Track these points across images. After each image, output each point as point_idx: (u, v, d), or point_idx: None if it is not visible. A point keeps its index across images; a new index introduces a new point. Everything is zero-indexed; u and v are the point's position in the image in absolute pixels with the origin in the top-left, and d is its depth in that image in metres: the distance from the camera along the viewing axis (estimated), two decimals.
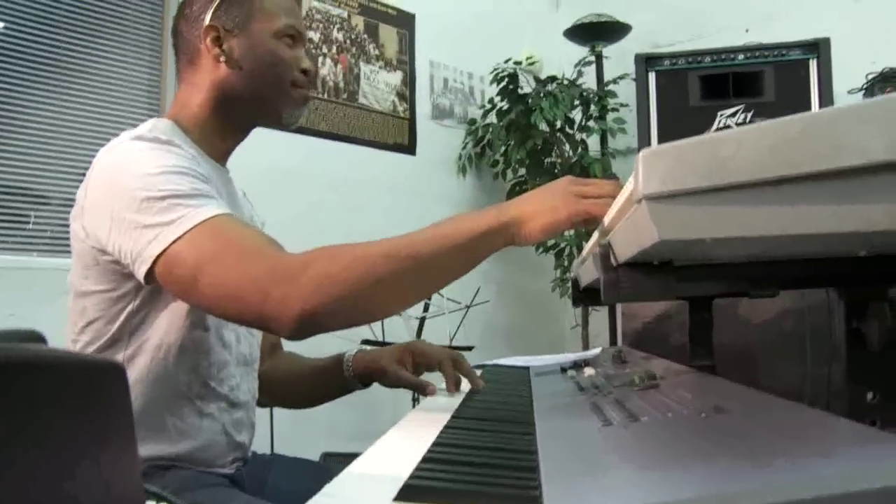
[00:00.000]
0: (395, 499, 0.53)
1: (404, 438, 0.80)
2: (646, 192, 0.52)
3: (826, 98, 2.69)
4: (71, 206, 1.17)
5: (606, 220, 0.80)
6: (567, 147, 3.70)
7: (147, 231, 0.99)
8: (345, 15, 3.41)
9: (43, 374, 0.43)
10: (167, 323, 1.11)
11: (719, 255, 0.71)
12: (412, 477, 0.56)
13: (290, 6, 1.30)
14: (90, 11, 2.70)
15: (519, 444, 0.69)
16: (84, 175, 1.15)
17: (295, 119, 1.29)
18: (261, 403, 1.38)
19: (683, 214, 0.52)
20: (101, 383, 0.48)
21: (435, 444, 0.72)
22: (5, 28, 2.51)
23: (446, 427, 0.82)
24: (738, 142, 0.52)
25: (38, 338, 0.49)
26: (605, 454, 0.63)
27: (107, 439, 0.47)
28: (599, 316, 3.49)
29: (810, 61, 2.77)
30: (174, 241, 0.98)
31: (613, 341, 3.35)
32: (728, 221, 0.52)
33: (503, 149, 3.73)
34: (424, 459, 0.64)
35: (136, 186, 1.02)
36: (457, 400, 1.14)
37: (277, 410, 2.68)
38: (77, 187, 1.16)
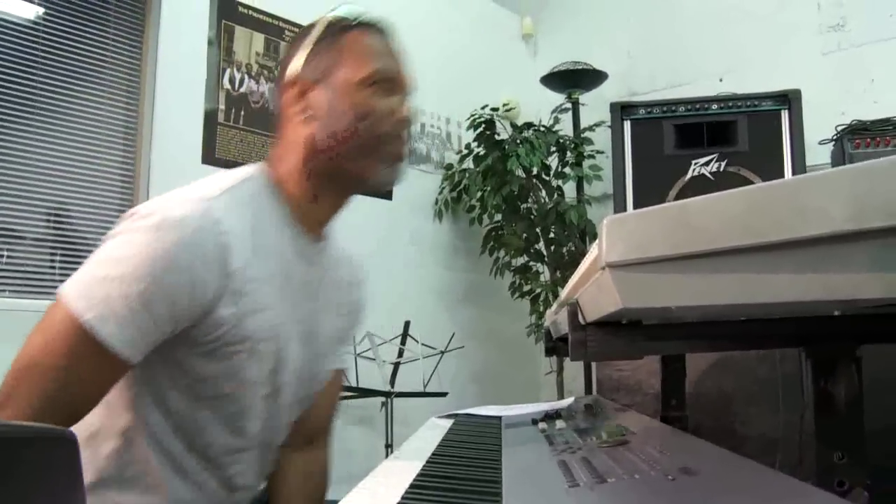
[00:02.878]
0: None
1: (378, 486, 0.79)
2: (609, 261, 0.52)
3: (797, 148, 2.73)
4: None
5: (574, 279, 0.80)
6: (543, 193, 3.72)
7: (81, 272, 0.98)
8: None
9: None
10: (177, 393, 1.05)
11: (686, 317, 0.71)
12: None
13: (383, 49, 1.16)
14: (67, 52, 2.69)
15: (489, 496, 0.69)
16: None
17: (390, 179, 1.14)
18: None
19: (647, 282, 0.52)
20: (49, 455, 0.46)
21: (413, 485, 0.71)
22: None
23: (412, 487, 0.80)
24: (702, 210, 0.52)
25: None
26: None
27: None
28: (574, 363, 3.48)
29: (782, 112, 2.81)
30: (64, 295, 0.95)
31: (588, 389, 3.34)
32: (692, 289, 0.52)
33: (479, 194, 3.74)
34: (404, 497, 0.63)
35: (116, 255, 0.97)
36: (430, 450, 1.13)
37: None
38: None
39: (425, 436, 1.32)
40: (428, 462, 1.00)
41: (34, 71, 2.60)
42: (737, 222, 0.51)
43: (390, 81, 1.13)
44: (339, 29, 1.14)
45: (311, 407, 1.26)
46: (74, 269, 1.01)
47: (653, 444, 0.95)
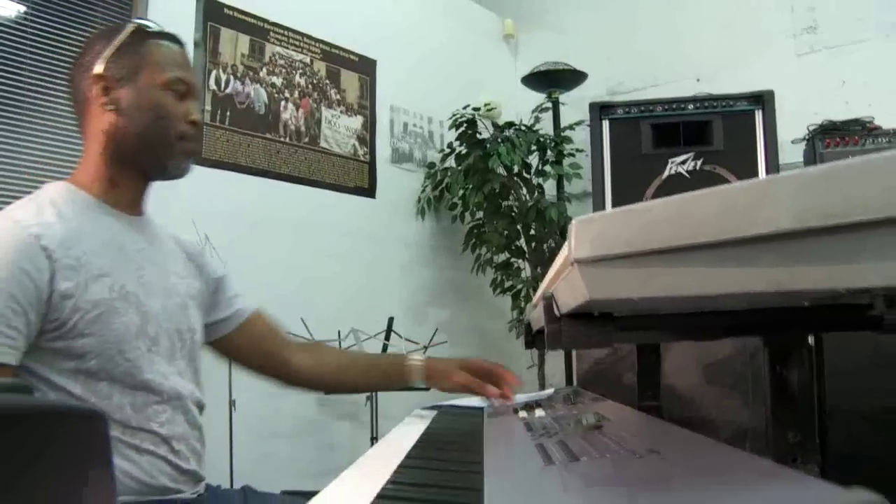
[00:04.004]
0: None
1: (361, 477, 0.84)
2: (577, 257, 0.58)
3: (771, 147, 2.82)
4: None
5: (550, 275, 0.86)
6: (524, 191, 3.79)
7: None
8: (307, 60, 3.49)
9: (25, 422, 0.47)
10: (64, 381, 1.16)
11: (651, 308, 0.77)
12: (378, 497, 0.61)
13: (181, 60, 1.34)
14: (51, 52, 2.73)
15: (467, 483, 0.75)
16: None
17: (181, 171, 1.33)
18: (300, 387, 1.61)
19: (611, 276, 0.58)
20: (80, 430, 0.51)
21: (389, 482, 0.77)
22: None
23: (400, 466, 0.87)
24: (660, 211, 0.59)
25: (25, 388, 0.53)
26: (543, 491, 0.68)
27: (85, 480, 0.50)
28: (555, 356, 3.56)
29: (756, 112, 2.90)
30: None
31: (569, 381, 3.41)
32: (651, 282, 0.58)
33: (461, 192, 3.82)
34: (378, 496, 0.69)
35: None
36: (414, 437, 1.19)
37: (236, 448, 2.70)
38: None
39: (409, 425, 1.38)
40: (413, 448, 1.06)
41: (18, 70, 2.64)
42: (690, 223, 0.57)
43: (186, 87, 1.31)
44: (143, 36, 1.31)
45: (269, 344, 1.55)
46: None
47: (626, 428, 1.01)
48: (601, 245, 0.58)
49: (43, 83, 2.70)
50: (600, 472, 0.71)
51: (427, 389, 1.64)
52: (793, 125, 3.06)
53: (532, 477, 0.76)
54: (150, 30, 1.32)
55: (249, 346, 1.55)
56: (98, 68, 1.27)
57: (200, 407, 1.37)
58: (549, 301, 0.84)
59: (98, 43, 1.30)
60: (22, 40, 2.66)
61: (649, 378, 1.53)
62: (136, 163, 1.31)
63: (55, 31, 2.73)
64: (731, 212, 0.57)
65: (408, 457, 0.93)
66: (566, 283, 0.68)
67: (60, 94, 2.71)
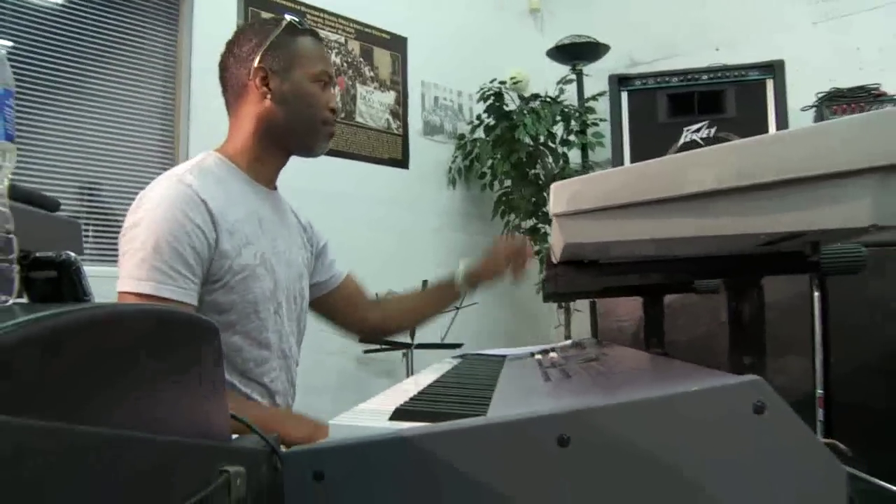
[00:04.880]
0: (390, 419, 0.78)
1: (397, 392, 1.05)
2: (555, 212, 0.78)
3: (781, 115, 2.95)
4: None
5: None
6: (550, 160, 3.96)
7: (121, 269, 1.29)
8: (342, 40, 3.68)
9: (146, 322, 0.59)
10: None
11: (623, 255, 0.97)
12: (401, 405, 0.82)
13: (324, 54, 1.52)
14: (107, 32, 2.91)
15: (482, 393, 0.95)
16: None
17: (322, 150, 1.53)
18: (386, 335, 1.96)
19: (581, 226, 0.78)
20: (199, 336, 0.70)
21: (420, 391, 0.98)
22: (24, 47, 2.68)
23: (430, 385, 1.08)
24: (618, 176, 0.78)
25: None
26: (536, 393, 0.89)
27: (198, 376, 0.68)
28: (580, 316, 3.74)
29: (767, 81, 3.03)
30: (123, 291, 1.27)
31: (595, 338, 3.59)
32: (611, 229, 0.78)
33: (490, 162, 3.99)
34: (411, 398, 0.90)
35: (140, 237, 1.28)
36: (438, 375, 1.39)
37: None
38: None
39: (438, 366, 1.58)
40: (440, 377, 1.27)
41: (71, 54, 2.80)
42: (640, 184, 0.77)
43: (328, 79, 1.51)
44: (294, 31, 1.49)
45: (355, 304, 1.79)
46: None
47: (620, 361, 1.21)
48: (573, 202, 0.78)
49: (93, 66, 2.86)
50: (580, 383, 0.92)
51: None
52: (811, 92, 3.18)
53: (531, 388, 0.97)
54: (299, 27, 1.50)
55: (340, 306, 1.76)
56: (257, 60, 1.43)
57: (297, 363, 1.58)
58: (546, 252, 1.04)
59: (254, 36, 1.47)
60: (72, 25, 2.81)
61: (654, 326, 1.71)
62: (284, 143, 1.50)
63: (96, 18, 2.88)
64: (670, 176, 0.76)
65: (431, 384, 1.14)
66: (554, 235, 0.88)
67: (113, 77, 2.93)
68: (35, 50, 2.72)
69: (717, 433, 0.63)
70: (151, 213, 1.29)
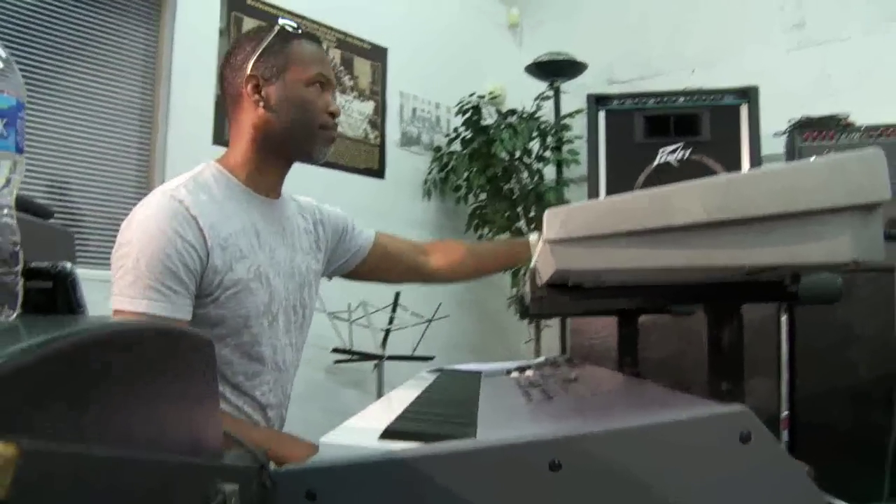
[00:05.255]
0: (380, 437, 0.79)
1: (381, 409, 1.06)
2: (547, 237, 0.79)
3: (754, 139, 3.00)
4: (58, 219, 1.40)
5: (535, 254, 1.07)
6: (525, 175, 3.99)
7: (115, 286, 1.29)
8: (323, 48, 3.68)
9: (145, 340, 0.59)
10: None
11: (609, 280, 0.99)
12: (391, 424, 0.83)
13: (320, 56, 1.47)
14: (85, 27, 2.88)
15: (466, 413, 0.96)
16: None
17: (323, 155, 1.49)
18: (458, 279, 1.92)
19: (572, 252, 0.80)
20: (194, 351, 0.70)
21: (406, 409, 0.99)
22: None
23: (413, 402, 1.09)
24: (607, 206, 0.80)
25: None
26: (521, 414, 0.90)
27: (195, 391, 0.68)
28: (551, 332, 3.77)
29: (742, 106, 3.07)
30: (117, 310, 1.27)
31: (563, 354, 3.62)
32: (600, 257, 0.80)
33: (466, 175, 4.02)
34: (399, 416, 0.91)
35: (132, 255, 1.28)
36: (420, 389, 1.39)
37: None
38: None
39: (415, 381, 1.59)
40: (417, 397, 1.27)
41: (48, 48, 2.77)
42: (628, 214, 0.79)
43: (325, 82, 1.46)
44: (286, 36, 1.46)
45: (400, 256, 1.81)
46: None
47: (597, 381, 1.23)
48: (564, 229, 0.79)
49: (62, 64, 2.82)
50: (563, 405, 0.93)
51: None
52: (783, 117, 3.24)
53: (515, 409, 0.98)
54: (292, 31, 1.46)
55: (383, 264, 1.78)
56: (249, 68, 1.41)
57: (295, 372, 1.57)
58: (532, 273, 1.06)
59: (248, 44, 1.45)
60: (48, 20, 2.78)
61: (628, 347, 1.73)
62: (283, 151, 1.47)
63: (75, 13, 2.86)
64: (661, 206, 0.78)
65: (413, 401, 1.14)
66: (543, 258, 0.90)
67: (91, 75, 2.89)
68: (9, 43, 2.67)
69: (704, 461, 0.65)
70: (143, 230, 1.28)
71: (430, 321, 3.41)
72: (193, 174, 1.42)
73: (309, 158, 1.49)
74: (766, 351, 2.29)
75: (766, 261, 0.79)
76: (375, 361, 3.33)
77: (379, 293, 3.37)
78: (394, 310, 3.43)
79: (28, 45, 2.74)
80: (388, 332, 3.42)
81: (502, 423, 0.88)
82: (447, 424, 0.86)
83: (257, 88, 1.42)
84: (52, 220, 0.85)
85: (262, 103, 1.42)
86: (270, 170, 1.49)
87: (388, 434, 0.80)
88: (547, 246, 0.81)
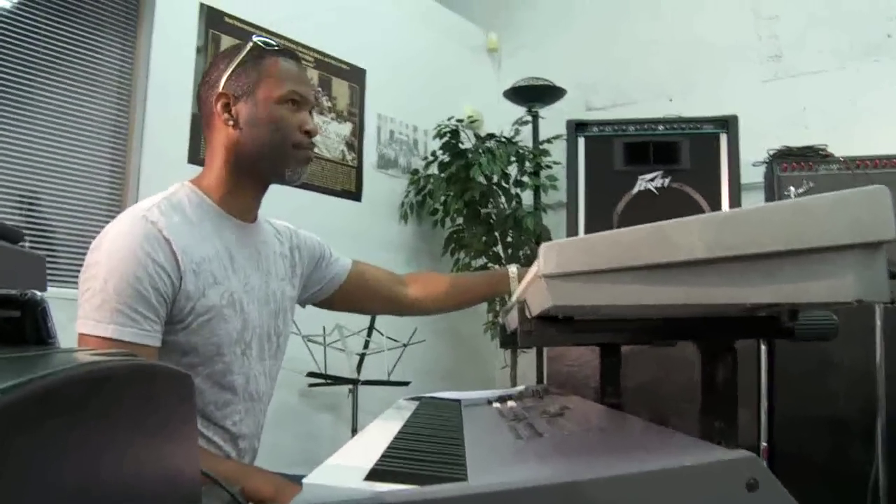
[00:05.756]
0: (366, 479, 0.76)
1: (363, 446, 1.02)
2: (544, 272, 0.77)
3: (734, 168, 3.01)
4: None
5: (524, 283, 1.05)
6: (502, 200, 3.98)
7: (81, 309, 1.24)
8: None
9: (122, 380, 0.56)
10: None
11: (604, 314, 0.96)
12: (377, 464, 0.79)
13: (295, 73, 1.42)
14: (59, 41, 2.82)
15: (452, 451, 0.93)
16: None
17: (298, 176, 1.43)
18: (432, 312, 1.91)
19: (568, 288, 0.77)
20: (173, 388, 0.66)
21: (389, 447, 0.95)
22: None
23: (396, 438, 1.05)
24: (606, 241, 0.78)
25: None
26: (514, 458, 0.87)
27: (176, 431, 0.65)
28: (527, 357, 3.74)
29: (721, 135, 3.09)
30: (83, 333, 1.23)
31: (540, 381, 3.59)
32: (597, 293, 0.77)
33: (443, 198, 3.99)
34: (384, 455, 0.87)
35: (100, 276, 1.23)
36: (400, 423, 1.36)
37: None
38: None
39: (395, 411, 1.55)
40: (401, 429, 1.24)
41: (19, 61, 2.71)
42: (628, 250, 0.76)
43: (301, 99, 1.41)
44: (260, 53, 1.42)
45: (377, 286, 1.75)
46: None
47: (583, 415, 1.20)
48: (561, 264, 0.76)
49: (34, 77, 2.77)
50: (557, 444, 0.90)
51: None
52: (757, 147, 3.26)
53: (505, 449, 0.95)
54: (267, 48, 1.41)
55: (359, 294, 1.72)
56: (221, 85, 1.37)
57: (269, 401, 1.52)
58: (522, 305, 1.03)
59: (221, 62, 1.41)
60: (18, 31, 2.72)
61: (611, 377, 1.71)
62: (256, 172, 1.41)
63: (48, 26, 2.81)
64: (661, 242, 0.76)
65: (397, 437, 1.11)
66: (536, 291, 0.87)
67: (62, 91, 2.84)
68: None
69: None
70: (112, 252, 1.24)
71: (405, 345, 3.37)
72: (167, 195, 1.37)
73: (283, 179, 1.43)
74: (745, 380, 2.27)
75: (768, 299, 0.76)
76: (350, 386, 3.28)
77: (354, 317, 3.32)
78: (369, 334, 3.39)
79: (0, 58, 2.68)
80: (363, 356, 3.37)
81: (493, 463, 0.85)
82: (436, 465, 0.82)
83: (227, 107, 1.38)
84: (27, 248, 0.81)
85: (231, 122, 1.37)
86: (245, 192, 1.44)
87: (375, 475, 0.76)
88: (542, 281, 0.78)
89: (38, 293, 0.70)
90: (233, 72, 1.38)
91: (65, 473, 0.44)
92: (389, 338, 3.33)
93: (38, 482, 0.40)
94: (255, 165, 1.40)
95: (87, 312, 1.22)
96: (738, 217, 0.76)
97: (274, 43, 1.44)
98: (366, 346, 3.38)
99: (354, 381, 3.25)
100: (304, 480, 0.74)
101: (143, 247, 1.24)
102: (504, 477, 0.69)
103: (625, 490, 0.62)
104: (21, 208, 2.73)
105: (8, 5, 2.72)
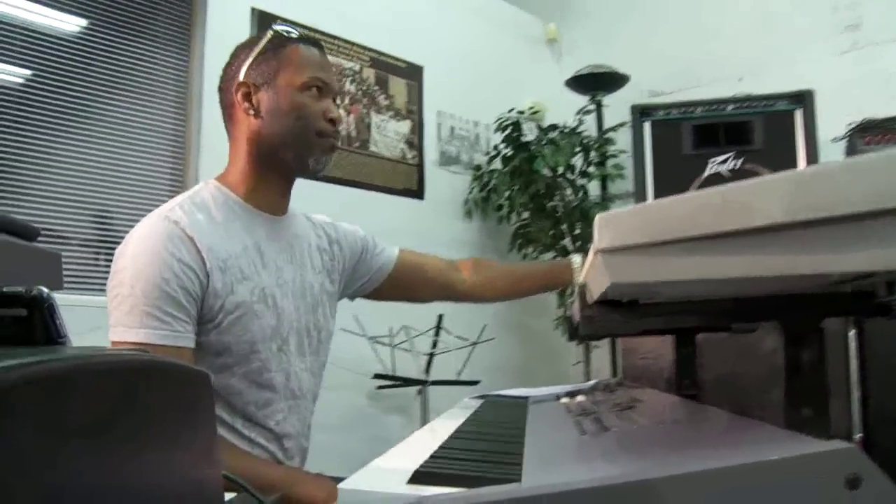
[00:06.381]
0: (409, 482, 0.68)
1: (413, 447, 0.95)
2: (600, 247, 0.68)
3: (811, 146, 2.86)
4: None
5: (585, 268, 0.96)
6: (568, 192, 3.87)
7: (111, 317, 1.21)
8: (357, 67, 3.62)
9: (143, 376, 0.53)
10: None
11: (671, 295, 0.87)
12: (422, 466, 0.72)
13: (317, 60, 1.38)
14: (119, 58, 2.88)
15: (510, 448, 0.85)
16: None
17: (322, 166, 1.39)
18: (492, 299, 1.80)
19: (628, 263, 0.68)
20: (188, 387, 0.61)
21: (441, 446, 0.88)
22: (35, 75, 2.67)
23: (451, 437, 0.97)
24: (670, 208, 0.69)
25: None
26: (574, 453, 0.78)
27: (193, 433, 0.60)
28: (601, 352, 3.63)
29: (796, 112, 2.94)
30: (115, 341, 1.19)
31: (614, 376, 3.48)
32: (662, 268, 0.68)
33: (507, 193, 3.91)
34: (432, 456, 0.80)
35: (127, 282, 1.20)
36: (461, 420, 1.28)
37: None
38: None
39: (459, 410, 1.48)
40: (455, 431, 1.16)
41: (84, 80, 2.79)
42: (693, 217, 0.67)
43: (323, 87, 1.37)
44: (281, 41, 1.37)
45: (428, 274, 1.69)
46: None
47: (656, 408, 1.11)
48: (619, 237, 0.68)
49: (105, 94, 2.85)
50: (625, 439, 0.81)
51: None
52: (835, 123, 3.09)
53: (566, 445, 0.87)
54: (288, 35, 1.38)
55: (410, 282, 1.66)
56: (241, 76, 1.34)
57: (314, 399, 1.47)
58: (582, 290, 0.94)
59: (242, 52, 1.38)
60: (83, 52, 2.80)
61: (686, 368, 1.61)
62: (279, 163, 1.37)
63: (113, 44, 2.88)
64: (731, 207, 0.67)
65: (451, 437, 1.03)
66: (593, 272, 0.78)
67: (124, 105, 2.88)
68: (50, 78, 2.71)
69: None
70: (137, 255, 1.21)
71: (474, 344, 3.29)
72: (190, 194, 1.34)
73: (307, 169, 1.39)
74: (834, 368, 2.13)
75: (859, 267, 0.66)
76: (419, 387, 3.22)
77: (421, 316, 3.27)
78: (437, 333, 3.33)
79: (65, 77, 2.75)
80: (431, 356, 3.31)
81: (552, 462, 0.76)
82: (488, 465, 0.75)
83: (248, 96, 1.35)
84: (42, 245, 0.76)
85: (252, 111, 1.34)
86: (270, 185, 1.40)
87: (419, 477, 0.69)
88: (598, 257, 0.70)
89: (45, 290, 0.64)
90: (253, 61, 1.35)
91: (61, 467, 0.41)
92: (458, 336, 3.26)
93: (33, 473, 0.37)
94: (277, 155, 1.36)
95: (117, 319, 1.20)
96: (824, 174, 0.65)
97: (294, 31, 1.40)
98: (434, 345, 3.32)
99: (423, 382, 3.19)
100: (341, 485, 0.67)
101: (167, 247, 1.21)
102: (561, 477, 0.61)
103: (698, 489, 0.53)
104: (95, 222, 2.77)
105: (76, 30, 2.79)
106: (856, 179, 0.63)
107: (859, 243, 0.65)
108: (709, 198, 0.68)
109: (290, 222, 1.46)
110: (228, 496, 0.69)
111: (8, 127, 2.60)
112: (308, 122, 1.35)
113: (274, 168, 1.38)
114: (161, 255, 1.20)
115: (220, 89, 1.41)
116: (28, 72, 2.66)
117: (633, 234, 0.68)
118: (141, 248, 1.21)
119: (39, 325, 0.66)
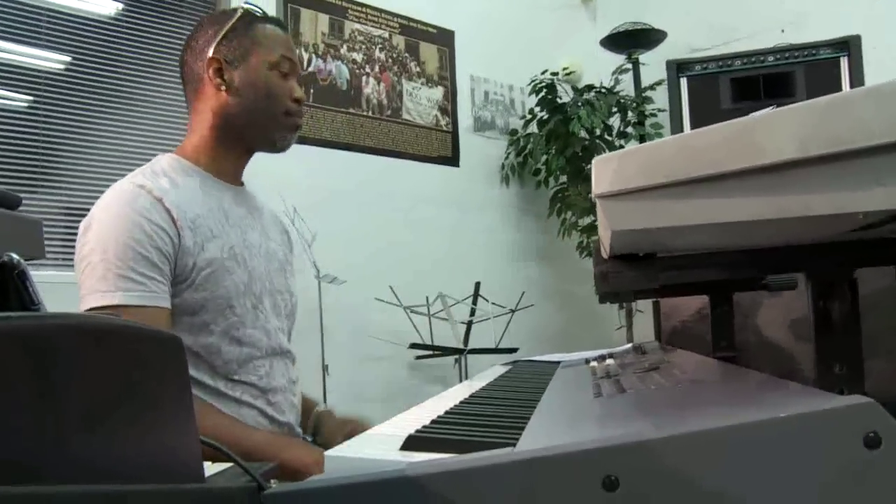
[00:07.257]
0: (401, 448, 0.64)
1: (419, 413, 0.91)
2: (597, 192, 0.63)
3: None
4: None
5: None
6: (606, 153, 3.78)
7: (83, 288, 1.22)
8: (386, 35, 3.56)
9: (110, 339, 0.51)
10: (177, 334, 1.28)
11: (683, 246, 0.81)
12: (417, 431, 0.68)
13: (285, 41, 1.44)
14: (158, 40, 2.91)
15: (519, 412, 0.80)
16: None
17: (286, 144, 1.44)
18: None
19: (628, 209, 0.63)
20: (160, 349, 0.58)
21: (446, 412, 0.84)
22: (74, 59, 2.71)
23: (461, 403, 0.93)
24: (670, 147, 0.63)
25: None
26: (582, 414, 0.74)
27: (166, 397, 0.56)
28: (644, 317, 3.56)
29: (841, 59, 2.82)
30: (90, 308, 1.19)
31: (658, 339, 3.41)
32: (664, 213, 0.63)
33: (544, 157, 3.84)
34: (433, 421, 0.76)
35: (98, 249, 1.21)
36: (475, 388, 1.24)
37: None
38: None
39: (488, 373, 1.44)
40: (470, 396, 1.12)
41: (124, 63, 2.84)
42: (700, 154, 0.62)
43: (291, 67, 1.42)
44: (251, 20, 1.41)
45: None
46: None
47: (683, 368, 1.05)
48: (617, 180, 0.63)
49: (142, 76, 2.87)
50: (637, 400, 0.76)
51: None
52: (888, 70, 2.95)
53: (576, 407, 0.82)
54: (257, 14, 1.43)
55: None
56: (211, 51, 1.37)
57: (294, 361, 1.48)
58: (597, 244, 0.89)
59: (210, 27, 1.40)
60: (120, 35, 2.84)
61: (722, 328, 1.54)
62: (244, 138, 1.42)
63: (149, 26, 2.90)
64: (739, 144, 0.61)
65: (463, 401, 0.99)
66: (599, 222, 0.73)
67: (156, 86, 2.88)
68: (88, 62, 2.76)
69: (811, 475, 0.47)
70: (105, 221, 1.23)
71: (513, 311, 3.25)
72: (148, 166, 1.38)
73: (272, 147, 1.44)
74: (884, 326, 2.04)
75: (883, 205, 0.60)
76: (457, 356, 3.19)
77: (458, 286, 3.23)
78: (474, 301, 3.29)
79: (105, 61, 2.80)
80: (469, 324, 3.28)
81: (555, 426, 0.72)
82: (489, 429, 0.70)
83: (220, 72, 1.37)
84: (23, 213, 0.74)
85: (224, 87, 1.37)
86: (231, 157, 1.44)
87: (411, 443, 0.65)
88: (599, 203, 0.65)
89: (16, 256, 0.62)
90: (223, 37, 1.38)
91: (26, 430, 0.42)
92: (496, 304, 3.22)
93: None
94: (243, 130, 1.40)
95: (91, 286, 1.20)
96: (840, 104, 0.59)
97: (262, 10, 1.45)
98: (472, 314, 3.28)
99: (461, 351, 3.16)
100: (328, 452, 0.63)
101: (136, 209, 1.23)
102: (558, 440, 0.56)
103: (690, 453, 0.48)
104: None
105: (111, 13, 2.84)
106: (879, 108, 0.57)
107: (883, 179, 0.59)
108: (716, 134, 0.62)
109: (250, 195, 1.51)
110: (219, 466, 0.66)
111: (50, 110, 2.65)
112: (277, 101, 1.39)
113: (236, 141, 1.42)
114: (131, 217, 1.22)
115: (184, 62, 1.43)
116: (67, 57, 2.72)
117: (635, 175, 0.63)
118: (110, 214, 1.23)
119: (13, 291, 0.64)
